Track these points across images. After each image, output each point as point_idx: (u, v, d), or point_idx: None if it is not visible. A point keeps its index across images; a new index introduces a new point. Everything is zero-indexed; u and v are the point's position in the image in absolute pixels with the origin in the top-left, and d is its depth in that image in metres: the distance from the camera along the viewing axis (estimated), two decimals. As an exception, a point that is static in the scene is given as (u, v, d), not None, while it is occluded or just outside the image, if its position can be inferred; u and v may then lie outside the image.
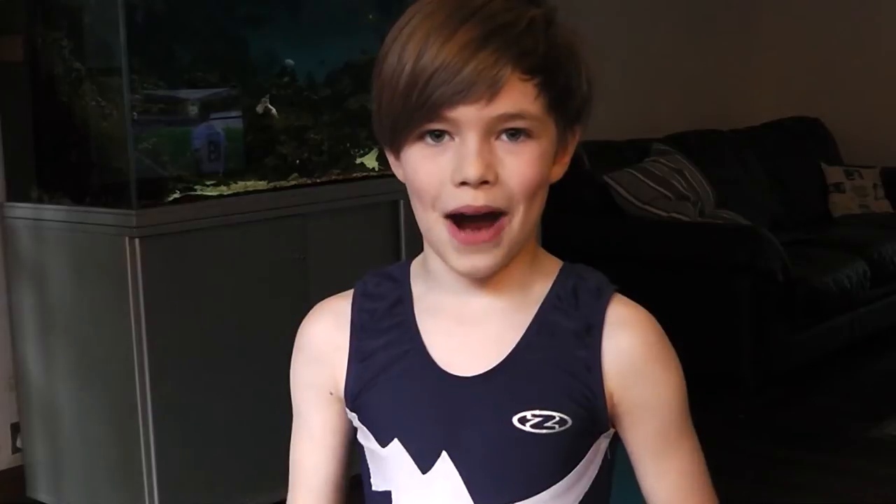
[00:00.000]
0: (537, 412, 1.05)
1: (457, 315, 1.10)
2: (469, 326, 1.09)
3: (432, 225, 1.05)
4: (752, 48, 6.54)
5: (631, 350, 1.09)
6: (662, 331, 1.12)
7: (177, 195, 3.22)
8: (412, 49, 1.00)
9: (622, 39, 5.66)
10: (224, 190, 3.34)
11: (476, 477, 1.06)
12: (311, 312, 1.19)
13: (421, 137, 1.03)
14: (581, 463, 1.08)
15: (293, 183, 3.52)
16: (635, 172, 4.92)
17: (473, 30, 0.99)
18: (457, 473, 1.06)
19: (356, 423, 1.13)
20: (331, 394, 1.15)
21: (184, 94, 3.30)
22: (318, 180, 3.59)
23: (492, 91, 0.99)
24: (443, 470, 1.06)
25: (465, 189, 1.01)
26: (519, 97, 1.01)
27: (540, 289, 1.11)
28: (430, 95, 0.99)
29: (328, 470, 1.18)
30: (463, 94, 0.99)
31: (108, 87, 3.21)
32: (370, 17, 3.90)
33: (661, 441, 1.11)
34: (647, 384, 1.10)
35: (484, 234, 1.03)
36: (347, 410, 1.14)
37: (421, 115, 1.01)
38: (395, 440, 1.08)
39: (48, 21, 3.34)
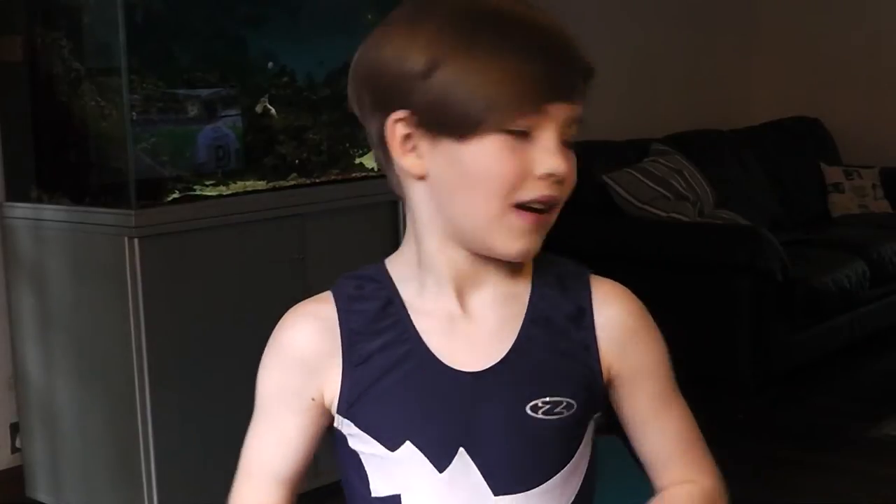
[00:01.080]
0: (547, 399, 1.08)
1: (452, 313, 1.10)
2: (466, 323, 1.10)
3: (497, 213, 1.05)
4: (752, 48, 6.55)
5: (621, 322, 1.14)
6: (640, 300, 1.19)
7: (176, 195, 3.22)
8: (510, 42, 1.01)
9: (622, 39, 5.66)
10: (223, 190, 3.34)
11: (494, 469, 1.07)
12: (289, 317, 1.17)
13: (501, 130, 1.03)
14: (581, 445, 1.15)
15: (292, 183, 3.52)
16: (635, 172, 4.92)
17: (562, 32, 1.05)
18: (475, 467, 1.07)
19: (349, 430, 1.11)
20: (313, 399, 1.13)
21: (183, 94, 3.30)
22: (317, 180, 3.59)
23: (575, 91, 1.05)
24: (460, 466, 1.07)
25: (546, 181, 1.04)
26: (582, 104, 1.07)
27: (524, 281, 1.14)
28: (536, 90, 1.01)
29: (295, 468, 1.17)
30: (567, 92, 1.03)
31: (107, 87, 3.21)
32: (370, 17, 3.90)
33: (659, 401, 1.17)
34: (639, 350, 1.15)
35: (544, 218, 1.08)
36: (338, 417, 1.11)
37: (520, 109, 1.02)
38: (407, 442, 1.07)
39: (48, 21, 3.34)
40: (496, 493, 1.07)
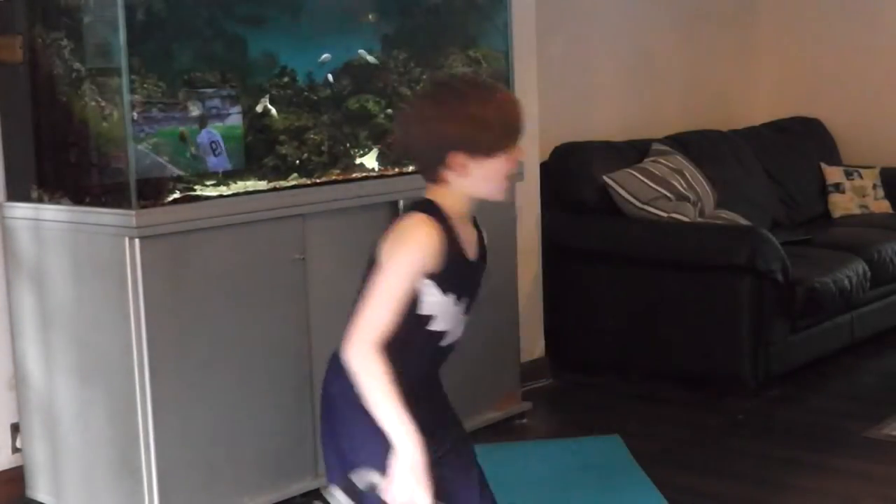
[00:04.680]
0: (485, 271, 2.15)
1: (463, 230, 2.07)
2: (466, 234, 2.08)
3: (500, 185, 2.06)
4: (752, 48, 6.55)
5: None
6: None
7: (177, 195, 3.22)
8: (505, 114, 2.04)
9: (623, 40, 5.66)
10: (224, 190, 3.34)
11: (470, 304, 2.11)
12: (430, 228, 1.99)
13: (505, 152, 2.05)
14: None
15: (293, 183, 3.52)
16: (635, 173, 4.92)
17: (520, 111, 2.09)
18: (465, 304, 2.09)
19: (431, 284, 2.01)
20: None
21: (184, 94, 3.30)
22: (317, 180, 3.59)
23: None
24: (463, 304, 2.08)
25: (515, 168, 2.08)
26: None
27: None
28: (517, 136, 2.06)
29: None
30: (519, 138, 2.07)
31: (107, 88, 3.21)
32: (370, 17, 3.90)
33: None
34: None
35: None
36: (425, 279, 1.99)
37: (512, 143, 2.05)
38: (451, 293, 2.04)
39: (48, 21, 3.34)
40: (463, 314, 2.10)
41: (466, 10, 4.20)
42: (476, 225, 2.14)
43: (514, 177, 2.18)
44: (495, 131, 2.00)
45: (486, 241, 2.16)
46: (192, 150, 3.29)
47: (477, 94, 2.02)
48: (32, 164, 3.44)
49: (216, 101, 3.36)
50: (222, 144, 3.35)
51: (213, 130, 3.34)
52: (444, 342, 2.10)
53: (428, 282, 2.00)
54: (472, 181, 2.03)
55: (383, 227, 2.08)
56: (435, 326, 2.05)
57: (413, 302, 2.00)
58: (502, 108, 2.02)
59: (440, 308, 2.04)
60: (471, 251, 2.08)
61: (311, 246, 3.46)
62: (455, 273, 2.03)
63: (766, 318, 4.46)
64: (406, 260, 1.97)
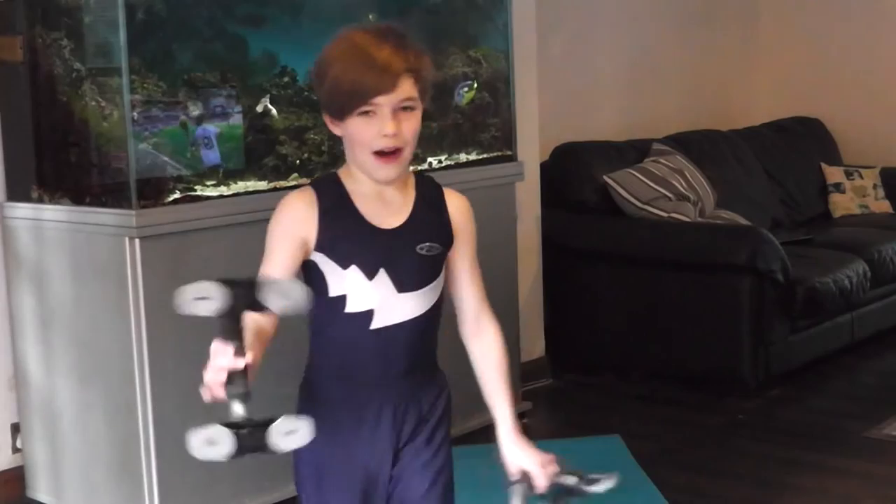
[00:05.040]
0: (428, 244, 1.96)
1: (375, 199, 1.94)
2: (383, 203, 1.95)
3: (366, 158, 1.89)
4: (752, 48, 6.55)
5: (457, 209, 2.03)
6: (468, 202, 2.06)
7: (177, 195, 3.22)
8: (352, 71, 1.84)
9: (623, 40, 5.66)
10: (224, 190, 3.34)
11: (398, 278, 1.93)
12: (297, 195, 1.96)
13: (359, 114, 1.87)
14: (441, 270, 1.99)
15: (293, 183, 3.52)
16: (635, 173, 4.92)
17: (382, 61, 1.84)
18: (388, 278, 1.92)
19: (322, 259, 1.91)
20: (301, 247, 1.92)
21: (184, 94, 3.30)
22: (318, 180, 3.59)
23: (394, 87, 1.85)
24: (381, 277, 1.92)
25: (386, 138, 1.87)
26: (408, 88, 1.87)
27: (411, 184, 2.00)
28: (366, 94, 1.85)
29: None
30: (381, 91, 1.85)
31: (108, 88, 3.21)
32: (370, 17, 3.90)
33: (470, 261, 2.04)
34: (465, 225, 2.03)
35: (392, 158, 1.89)
36: (313, 252, 1.91)
37: (362, 103, 1.86)
38: (353, 265, 1.91)
39: (48, 21, 3.34)
40: (399, 291, 1.93)
41: (466, 9, 4.20)
42: (423, 191, 1.99)
43: (399, 159, 1.89)
44: (339, 88, 1.85)
45: (446, 209, 2.00)
46: (191, 139, 3.29)
47: (329, 47, 1.89)
48: (32, 164, 3.44)
49: (216, 101, 3.36)
50: (214, 140, 3.35)
51: (209, 127, 3.34)
52: (375, 324, 1.92)
53: (318, 254, 1.90)
54: (347, 148, 1.92)
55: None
56: (352, 307, 1.91)
57: (323, 286, 1.90)
58: (348, 61, 1.84)
59: (349, 286, 1.90)
60: (388, 219, 1.93)
61: (312, 246, 3.46)
62: (354, 242, 1.90)
63: (766, 318, 4.46)
64: (270, 227, 1.92)
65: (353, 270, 1.91)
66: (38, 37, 3.35)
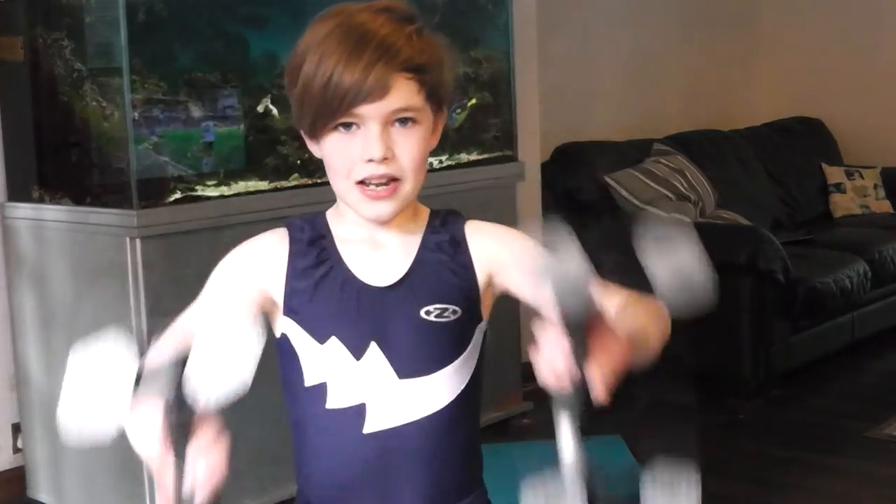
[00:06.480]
0: (437, 305, 1.36)
1: (367, 245, 1.40)
2: (377, 251, 1.39)
3: (347, 188, 1.36)
4: (752, 48, 6.55)
5: (488, 244, 1.42)
6: (505, 226, 1.47)
7: (177, 195, 3.22)
8: (326, 66, 1.31)
9: (623, 40, 5.66)
10: (225, 190, 3.34)
11: (398, 358, 1.35)
12: (259, 239, 1.48)
13: (335, 128, 1.34)
14: (469, 347, 1.39)
15: (294, 183, 3.52)
16: (636, 173, 4.92)
17: (369, 53, 1.31)
18: (383, 357, 1.35)
19: (291, 328, 1.37)
20: (258, 302, 1.40)
21: (184, 94, 3.30)
22: (318, 180, 3.58)
23: (384, 92, 1.31)
24: (372, 355, 1.35)
25: (371, 163, 1.33)
26: (406, 94, 1.32)
27: (420, 222, 1.42)
28: (343, 99, 1.30)
29: None
30: (364, 97, 1.30)
31: (108, 88, 3.21)
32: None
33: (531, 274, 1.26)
34: (503, 248, 1.40)
35: (383, 192, 1.34)
36: (281, 316, 1.38)
37: (337, 113, 1.32)
38: (333, 337, 1.35)
39: (49, 21, 3.34)
40: (401, 377, 1.35)
41: (467, 10, 4.20)
42: (435, 230, 1.42)
43: (392, 195, 1.35)
44: (309, 91, 1.33)
45: (466, 248, 1.41)
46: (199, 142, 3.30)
47: (306, 33, 1.37)
48: (33, 164, 3.45)
49: (217, 101, 3.36)
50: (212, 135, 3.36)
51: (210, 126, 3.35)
52: (370, 426, 1.35)
53: (286, 321, 1.37)
54: (329, 176, 1.39)
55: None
56: (335, 401, 1.35)
57: (297, 372, 1.37)
58: (324, 53, 1.31)
59: (329, 369, 1.35)
60: (381, 273, 1.38)
61: (312, 246, 3.46)
62: (333, 305, 1.36)
63: (766, 318, 4.46)
64: (213, 276, 1.50)
65: (334, 345, 1.35)
66: (38, 37, 3.36)
